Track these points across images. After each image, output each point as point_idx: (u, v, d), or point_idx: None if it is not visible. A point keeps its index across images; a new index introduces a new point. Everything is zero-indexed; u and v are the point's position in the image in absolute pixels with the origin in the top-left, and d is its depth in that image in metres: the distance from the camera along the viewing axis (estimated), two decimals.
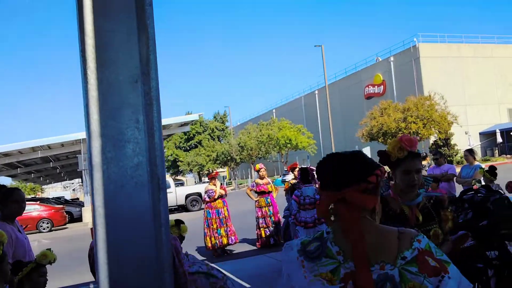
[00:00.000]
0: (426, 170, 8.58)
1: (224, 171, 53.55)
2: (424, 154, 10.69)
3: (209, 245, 8.73)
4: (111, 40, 1.80)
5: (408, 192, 2.44)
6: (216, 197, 8.76)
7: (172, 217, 4.07)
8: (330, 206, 1.36)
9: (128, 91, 1.86)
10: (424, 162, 10.23)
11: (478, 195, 3.55)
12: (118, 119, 1.95)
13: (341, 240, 1.31)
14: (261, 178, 9.05)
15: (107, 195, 1.92)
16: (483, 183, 6.23)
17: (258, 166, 9.15)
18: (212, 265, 3.70)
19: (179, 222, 3.68)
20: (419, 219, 2.40)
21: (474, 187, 3.91)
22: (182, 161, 51.53)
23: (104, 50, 1.81)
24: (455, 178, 7.62)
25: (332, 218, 1.37)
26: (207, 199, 8.81)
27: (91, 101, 1.90)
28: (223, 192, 8.93)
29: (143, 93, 1.47)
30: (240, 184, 44.58)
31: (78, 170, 19.92)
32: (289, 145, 40.49)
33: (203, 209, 9.38)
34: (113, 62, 1.81)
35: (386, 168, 2.53)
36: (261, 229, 8.82)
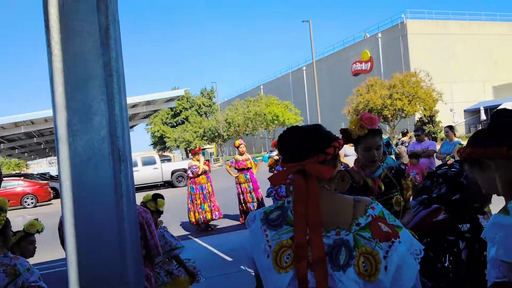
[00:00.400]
0: (407, 146, 8.69)
1: (211, 148, 53.52)
2: (405, 130, 10.81)
3: (193, 220, 8.80)
4: (75, 10, 1.76)
5: (369, 166, 2.56)
6: (199, 172, 8.78)
7: (158, 192, 4.07)
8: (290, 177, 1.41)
9: (93, 62, 1.83)
10: (404, 138, 10.34)
11: (452, 170, 3.62)
12: (84, 92, 1.92)
13: None
14: (241, 154, 9.03)
15: (74, 168, 1.91)
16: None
17: (237, 142, 9.11)
18: None
19: (156, 196, 3.69)
20: (381, 188, 2.53)
21: (448, 162, 3.99)
22: (169, 137, 51.30)
23: (68, 21, 1.77)
24: (435, 154, 7.74)
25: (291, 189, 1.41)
26: (191, 175, 8.83)
27: (55, 73, 1.87)
28: (206, 167, 8.94)
29: (102, 64, 1.45)
30: (227, 160, 44.59)
31: None
32: (276, 121, 40.49)
33: None
34: (77, 33, 1.78)
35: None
36: (243, 204, 8.89)
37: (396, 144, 11.15)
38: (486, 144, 1.46)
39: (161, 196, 3.73)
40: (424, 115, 31.74)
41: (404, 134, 10.61)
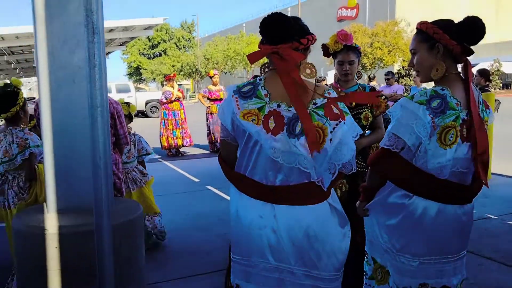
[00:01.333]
0: (379, 90, 8.97)
1: (188, 84, 52.76)
2: (373, 75, 11.14)
3: (165, 144, 9.02)
4: None
5: (343, 80, 2.84)
6: (173, 98, 8.88)
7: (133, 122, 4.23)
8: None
9: None
10: (372, 83, 10.66)
11: None
12: None
13: (269, 85, 1.63)
14: (214, 84, 9.13)
15: (50, 49, 2.05)
16: None
17: (212, 71, 9.14)
18: None
19: (128, 102, 3.90)
20: (351, 103, 2.78)
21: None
22: (145, 69, 50.15)
23: None
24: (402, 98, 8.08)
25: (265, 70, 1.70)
26: (164, 100, 8.92)
27: None
28: (180, 94, 9.04)
29: None
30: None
31: (34, 66, 19.17)
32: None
33: None
34: None
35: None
36: (212, 134, 9.12)
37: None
38: (450, 33, 1.69)
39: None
40: (403, 67, 32.00)
41: (372, 79, 10.95)
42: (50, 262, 1.93)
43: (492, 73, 31.31)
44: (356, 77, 2.90)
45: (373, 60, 29.06)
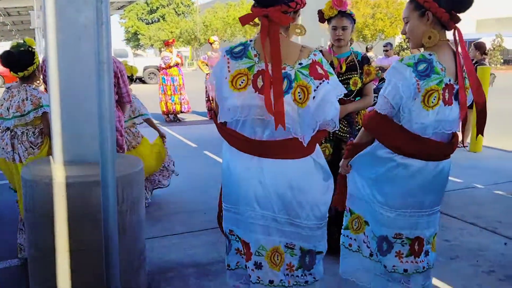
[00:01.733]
0: (375, 61, 9.02)
1: (186, 51, 52.21)
2: (370, 46, 11.17)
3: (164, 109, 9.11)
4: None
5: (336, 45, 2.94)
6: (171, 64, 8.90)
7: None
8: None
9: None
10: (369, 54, 10.70)
11: None
12: None
13: (259, 46, 1.72)
14: (215, 51, 9.15)
15: (58, 8, 2.12)
16: None
17: (212, 38, 9.13)
18: None
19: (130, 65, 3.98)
20: (342, 68, 2.90)
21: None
22: (143, 35, 49.52)
23: None
24: None
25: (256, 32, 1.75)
26: (163, 66, 8.95)
27: None
28: (179, 60, 9.06)
29: None
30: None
31: (30, 28, 18.90)
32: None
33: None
34: None
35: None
36: (211, 101, 9.20)
37: None
38: (439, 2, 1.77)
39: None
40: (404, 40, 31.77)
41: (369, 49, 10.98)
42: (57, 209, 2.06)
43: (494, 48, 31.15)
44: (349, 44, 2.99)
45: (374, 31, 28.81)
